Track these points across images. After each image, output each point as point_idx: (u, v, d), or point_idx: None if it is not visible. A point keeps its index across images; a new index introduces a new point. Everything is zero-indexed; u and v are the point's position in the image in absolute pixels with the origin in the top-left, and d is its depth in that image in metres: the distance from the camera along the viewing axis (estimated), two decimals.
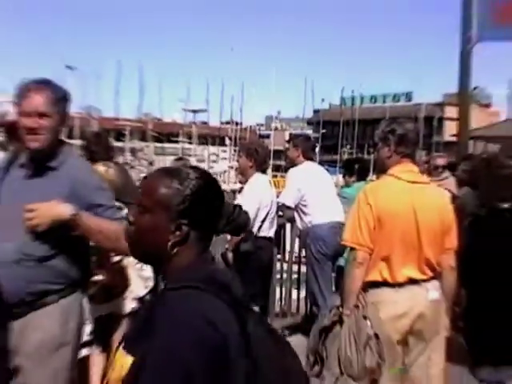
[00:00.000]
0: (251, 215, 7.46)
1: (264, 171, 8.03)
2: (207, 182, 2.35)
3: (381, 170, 5.20)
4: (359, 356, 4.48)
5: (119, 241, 3.88)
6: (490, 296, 4.96)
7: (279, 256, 8.96)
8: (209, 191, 2.34)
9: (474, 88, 60.46)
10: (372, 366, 4.46)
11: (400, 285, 4.66)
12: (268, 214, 7.75)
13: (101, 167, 5.79)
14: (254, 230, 7.62)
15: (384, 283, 4.68)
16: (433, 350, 4.76)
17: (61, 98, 3.88)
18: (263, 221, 7.69)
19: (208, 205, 2.33)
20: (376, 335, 4.49)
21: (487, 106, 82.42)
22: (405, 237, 4.65)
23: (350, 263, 4.76)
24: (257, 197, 7.66)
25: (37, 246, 3.79)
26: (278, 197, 8.46)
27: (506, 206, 5.10)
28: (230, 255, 7.62)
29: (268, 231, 7.80)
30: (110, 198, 4.17)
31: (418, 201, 4.70)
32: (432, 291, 4.72)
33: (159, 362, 1.97)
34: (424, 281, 4.71)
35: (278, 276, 9.06)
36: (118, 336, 6.40)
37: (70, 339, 3.95)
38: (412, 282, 4.67)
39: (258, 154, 7.97)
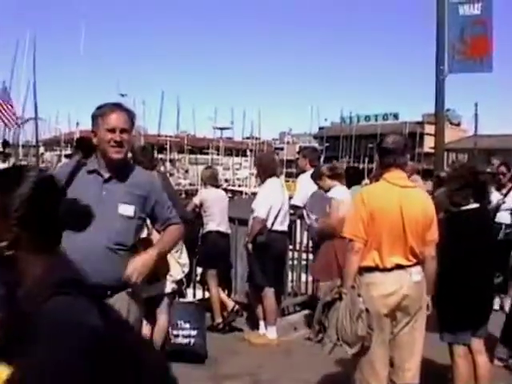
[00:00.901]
0: (263, 214, 7.57)
1: (277, 175, 7.97)
2: (40, 184, 1.97)
3: (376, 176, 5.35)
4: (353, 326, 4.62)
5: (177, 239, 4.27)
6: (456, 276, 5.25)
7: (291, 246, 8.99)
8: (42, 193, 1.96)
9: (447, 110, 60.17)
10: (363, 334, 4.61)
11: (388, 269, 4.74)
12: (280, 211, 7.68)
13: None
14: (268, 224, 7.62)
15: (375, 268, 4.77)
16: (416, 321, 4.87)
17: (133, 117, 3.95)
18: (276, 217, 7.64)
19: (41, 207, 1.96)
20: (367, 309, 4.62)
21: (458, 124, 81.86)
22: (392, 230, 4.74)
23: (349, 251, 4.84)
24: (267, 198, 7.68)
25: (126, 236, 3.82)
26: (290, 198, 8.53)
27: (475, 205, 5.44)
28: (249, 246, 7.68)
29: (280, 226, 7.73)
30: (167, 198, 4.22)
31: (404, 200, 4.78)
32: (415, 274, 4.81)
33: (47, 374, 1.58)
34: (408, 266, 4.78)
35: (290, 263, 9.06)
36: (160, 310, 6.54)
37: (133, 322, 3.84)
38: (398, 267, 4.75)
39: (260, 165, 8.14)
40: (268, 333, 7.74)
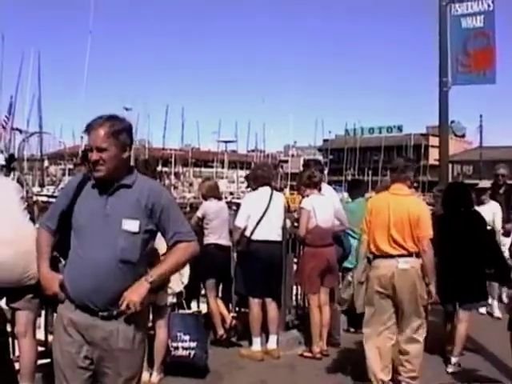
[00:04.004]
0: (238, 222, 7.66)
1: (268, 185, 7.94)
2: None
3: (385, 187, 7.25)
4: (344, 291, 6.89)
5: (185, 261, 3.94)
6: (449, 263, 6.91)
7: (296, 259, 8.96)
8: None
9: (451, 122, 60.28)
10: (345, 298, 6.83)
11: (381, 256, 6.27)
12: (261, 220, 7.63)
13: None
14: (247, 233, 7.62)
15: (374, 255, 6.35)
16: (411, 302, 6.25)
17: (119, 130, 3.68)
18: (256, 226, 7.60)
19: None
20: (361, 283, 6.46)
21: (462, 136, 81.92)
22: (382, 225, 6.26)
23: (361, 242, 6.57)
24: (245, 207, 7.78)
25: (132, 252, 3.64)
26: (294, 211, 8.51)
27: (462, 209, 7.49)
28: (234, 254, 7.87)
29: (266, 235, 7.63)
30: (177, 207, 4.03)
31: (392, 204, 6.31)
32: (401, 263, 6.16)
33: None
34: (396, 256, 6.18)
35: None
36: (159, 323, 6.50)
37: (137, 347, 3.79)
38: (387, 255, 6.22)
39: (251, 174, 8.34)
40: (253, 344, 7.70)
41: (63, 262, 3.87)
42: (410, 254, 6.17)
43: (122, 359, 3.67)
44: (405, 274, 6.13)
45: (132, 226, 3.63)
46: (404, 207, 6.24)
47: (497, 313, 9.97)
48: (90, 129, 3.68)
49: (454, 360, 7.24)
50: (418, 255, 6.19)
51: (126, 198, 3.69)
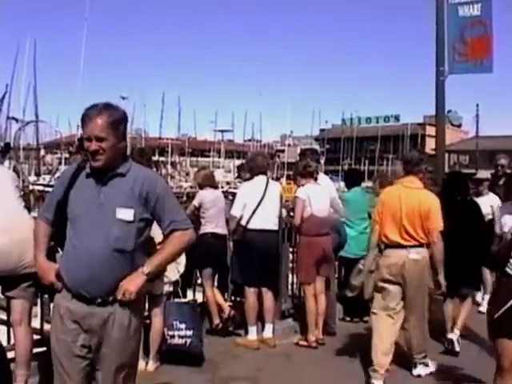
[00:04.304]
0: (234, 211, 7.69)
1: (264, 173, 7.95)
2: None
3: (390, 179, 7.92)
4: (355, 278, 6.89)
5: (181, 249, 3.91)
6: (453, 250, 6.71)
7: (291, 249, 8.98)
8: None
9: (448, 111, 60.25)
10: (355, 284, 6.82)
11: (392, 246, 6.49)
12: (257, 209, 7.65)
13: None
14: (243, 222, 7.64)
15: (385, 244, 6.55)
16: (418, 290, 6.54)
17: (117, 120, 3.67)
18: (252, 215, 7.61)
19: None
20: (371, 271, 6.58)
21: (459, 126, 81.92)
22: (393, 216, 6.47)
23: (373, 231, 6.77)
24: (240, 196, 7.81)
25: (126, 241, 3.62)
26: (289, 200, 8.51)
27: (458, 198, 7.66)
28: (230, 244, 7.94)
29: (262, 224, 7.64)
30: (173, 196, 4.04)
31: (403, 196, 6.51)
32: (412, 253, 6.41)
33: None
34: (407, 246, 6.42)
35: (291, 265, 9.04)
36: (155, 312, 6.50)
37: (133, 334, 3.80)
38: (399, 245, 6.44)
39: (246, 164, 8.40)
40: (249, 333, 7.72)
41: (60, 252, 3.88)
42: (420, 245, 6.45)
43: (117, 346, 3.67)
44: (415, 263, 6.42)
45: (126, 214, 3.62)
46: (415, 199, 6.48)
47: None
48: (86, 118, 3.64)
49: (451, 336, 7.50)
50: (427, 246, 6.46)
51: (120, 187, 3.68)
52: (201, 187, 8.22)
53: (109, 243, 3.58)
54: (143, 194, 3.68)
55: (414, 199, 6.48)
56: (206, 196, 8.03)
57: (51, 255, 3.93)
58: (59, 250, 3.92)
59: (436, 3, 9.95)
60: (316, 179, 7.91)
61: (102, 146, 3.59)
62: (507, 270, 4.82)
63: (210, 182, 8.26)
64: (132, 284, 3.58)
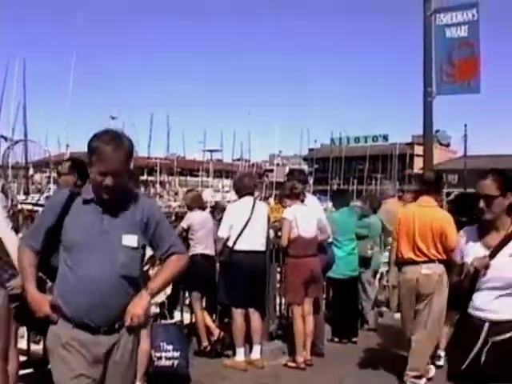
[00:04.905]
0: (221, 233, 7.64)
1: (251, 194, 7.93)
2: None
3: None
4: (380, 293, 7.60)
5: (179, 272, 3.87)
6: None
7: (279, 269, 8.95)
8: None
9: (437, 131, 60.52)
10: (381, 299, 7.46)
11: (406, 263, 6.82)
12: (243, 230, 7.60)
13: None
14: (230, 243, 7.60)
15: (402, 261, 6.91)
16: (429, 304, 6.70)
17: (130, 152, 3.61)
18: (238, 236, 7.57)
19: None
20: (394, 286, 7.12)
21: (447, 145, 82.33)
22: (408, 234, 6.82)
23: (392, 249, 7.40)
24: (227, 217, 7.75)
25: (132, 267, 3.61)
26: (277, 221, 8.51)
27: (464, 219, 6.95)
28: (217, 265, 7.94)
29: (249, 245, 7.60)
30: (168, 224, 4.06)
31: (417, 214, 6.84)
32: (424, 269, 6.67)
33: None
34: (420, 262, 6.70)
35: (278, 285, 9.01)
36: (142, 334, 6.44)
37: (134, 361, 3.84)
38: (412, 261, 6.75)
39: (234, 185, 8.36)
40: (237, 355, 7.67)
41: (49, 283, 3.75)
42: (432, 261, 6.70)
43: (121, 372, 3.66)
44: (427, 278, 6.69)
45: (132, 241, 3.60)
46: (428, 218, 6.76)
47: None
48: (104, 152, 3.50)
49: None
50: (440, 261, 6.67)
51: (124, 214, 3.64)
52: (190, 208, 8.24)
53: (115, 269, 3.52)
54: (144, 220, 3.67)
55: (426, 217, 6.77)
56: (194, 218, 8.06)
57: (41, 286, 3.74)
58: (47, 281, 3.78)
59: (424, 25, 10.02)
60: (302, 200, 7.90)
61: (116, 181, 3.50)
62: (470, 311, 4.17)
63: (198, 204, 8.30)
64: (139, 307, 3.56)
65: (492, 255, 4.07)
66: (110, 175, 3.48)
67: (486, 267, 4.04)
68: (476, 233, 4.32)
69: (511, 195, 4.13)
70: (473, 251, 4.21)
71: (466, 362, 4.05)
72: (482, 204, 4.12)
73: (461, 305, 4.30)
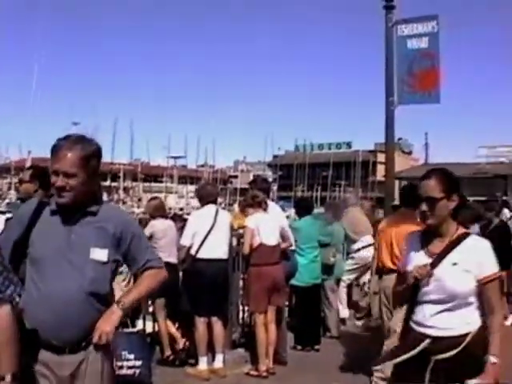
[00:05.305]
0: (184, 241, 7.66)
1: (213, 203, 8.00)
2: None
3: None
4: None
5: (155, 287, 3.70)
6: None
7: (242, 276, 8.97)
8: None
9: (399, 139, 61.05)
10: (362, 305, 8.08)
11: (386, 271, 6.76)
12: (206, 239, 7.61)
13: None
14: (192, 252, 7.61)
15: (382, 270, 6.95)
16: None
17: (90, 155, 3.41)
18: (201, 245, 7.58)
19: None
20: (375, 293, 7.13)
21: (409, 153, 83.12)
22: (387, 244, 6.84)
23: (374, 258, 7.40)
24: (190, 225, 7.77)
25: (101, 283, 3.41)
26: (242, 227, 8.53)
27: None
28: (180, 274, 7.91)
29: (210, 254, 7.60)
30: (144, 234, 3.95)
31: (395, 225, 6.79)
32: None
33: None
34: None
35: (241, 293, 9.02)
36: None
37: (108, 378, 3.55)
38: (391, 270, 6.48)
39: (198, 193, 8.30)
40: (200, 363, 7.66)
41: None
42: None
43: None
44: None
45: (101, 254, 3.40)
46: (404, 227, 6.28)
47: None
48: (56, 150, 3.38)
49: None
50: None
51: (93, 226, 3.44)
52: (152, 217, 8.23)
53: (82, 286, 3.32)
54: (117, 234, 3.49)
55: (404, 227, 6.29)
56: (157, 226, 8.04)
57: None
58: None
59: (385, 35, 10.12)
60: (265, 209, 7.93)
61: (69, 182, 3.35)
62: (412, 325, 3.88)
63: (160, 212, 8.32)
64: (108, 324, 3.34)
65: (434, 264, 3.74)
66: (61, 174, 3.34)
67: (428, 277, 3.72)
68: (419, 239, 3.99)
69: (457, 197, 3.82)
70: (415, 259, 3.88)
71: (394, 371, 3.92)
72: (424, 207, 3.78)
73: (404, 318, 3.99)
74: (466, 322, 3.70)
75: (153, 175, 79.99)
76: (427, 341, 3.72)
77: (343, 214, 10.66)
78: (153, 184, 75.76)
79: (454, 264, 3.69)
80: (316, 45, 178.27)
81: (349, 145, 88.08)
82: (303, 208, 9.71)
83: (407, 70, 9.98)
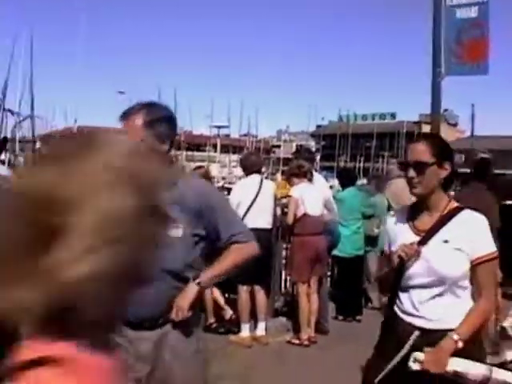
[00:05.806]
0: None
1: (258, 172, 8.05)
2: None
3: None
4: None
5: (240, 263, 3.52)
6: None
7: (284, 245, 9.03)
8: None
9: (444, 110, 60.27)
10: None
11: None
12: (250, 208, 7.68)
13: None
14: None
15: None
16: None
17: (156, 119, 3.26)
18: (245, 214, 7.58)
19: None
20: None
21: (455, 125, 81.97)
22: None
23: None
24: (234, 195, 7.86)
25: (174, 261, 3.11)
26: (285, 197, 8.56)
27: None
28: None
29: (254, 223, 7.33)
30: (229, 205, 3.90)
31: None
32: None
33: None
34: None
35: (284, 263, 9.08)
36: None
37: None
38: None
39: (241, 164, 8.40)
40: (242, 331, 7.77)
41: None
42: None
43: (172, 372, 3.32)
44: None
45: (173, 230, 3.13)
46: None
47: None
48: (124, 117, 3.27)
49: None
50: None
51: (181, 199, 3.15)
52: None
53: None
54: (196, 207, 3.30)
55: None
56: None
57: None
58: None
59: (434, 5, 9.96)
60: (310, 179, 7.93)
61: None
62: (396, 309, 3.40)
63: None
64: (184, 300, 3.25)
65: (422, 242, 3.24)
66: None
67: (415, 257, 3.23)
68: (406, 214, 3.46)
69: (449, 166, 3.28)
70: (401, 237, 3.37)
71: (382, 374, 3.32)
72: (411, 173, 3.22)
73: (388, 302, 3.53)
74: (459, 312, 3.20)
75: (195, 144, 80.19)
76: (416, 333, 3.25)
77: (386, 185, 10.61)
78: (196, 153, 75.93)
79: (445, 242, 3.21)
80: (361, 14, 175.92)
81: (393, 115, 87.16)
82: (347, 178, 9.72)
83: (455, 39, 9.82)
